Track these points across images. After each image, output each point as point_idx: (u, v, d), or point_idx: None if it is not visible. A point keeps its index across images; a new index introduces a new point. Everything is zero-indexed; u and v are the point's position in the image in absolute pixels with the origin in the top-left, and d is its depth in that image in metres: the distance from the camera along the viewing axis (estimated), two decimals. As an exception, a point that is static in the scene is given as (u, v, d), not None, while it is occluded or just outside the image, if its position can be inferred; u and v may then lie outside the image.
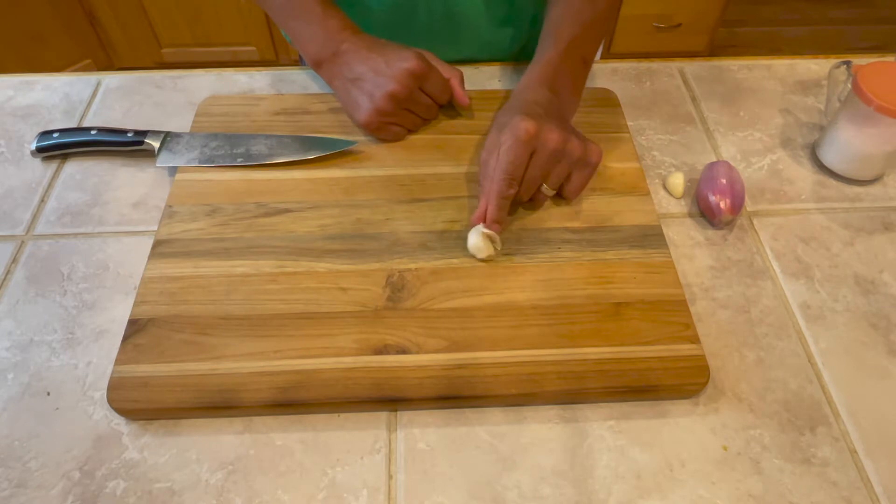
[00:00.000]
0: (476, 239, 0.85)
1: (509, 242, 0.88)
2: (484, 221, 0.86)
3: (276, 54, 3.16)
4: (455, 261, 0.86)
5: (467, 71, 1.11)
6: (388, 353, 0.77)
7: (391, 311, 0.81)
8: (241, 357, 0.77)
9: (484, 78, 1.14)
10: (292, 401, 0.74)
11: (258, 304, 0.81)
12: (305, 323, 0.80)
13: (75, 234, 0.91)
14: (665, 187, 0.98)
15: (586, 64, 1.01)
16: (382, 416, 0.76)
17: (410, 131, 1.01)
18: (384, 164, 0.97)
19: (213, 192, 0.93)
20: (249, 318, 0.80)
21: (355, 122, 0.99)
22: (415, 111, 0.99)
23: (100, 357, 0.80)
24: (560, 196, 0.92)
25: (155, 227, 0.91)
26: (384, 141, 0.99)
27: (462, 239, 0.87)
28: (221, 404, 0.74)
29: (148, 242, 0.89)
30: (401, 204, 0.92)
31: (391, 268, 0.85)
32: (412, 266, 0.85)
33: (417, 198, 0.93)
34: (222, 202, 0.92)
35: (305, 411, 0.75)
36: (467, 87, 1.04)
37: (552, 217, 0.91)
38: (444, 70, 1.01)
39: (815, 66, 1.18)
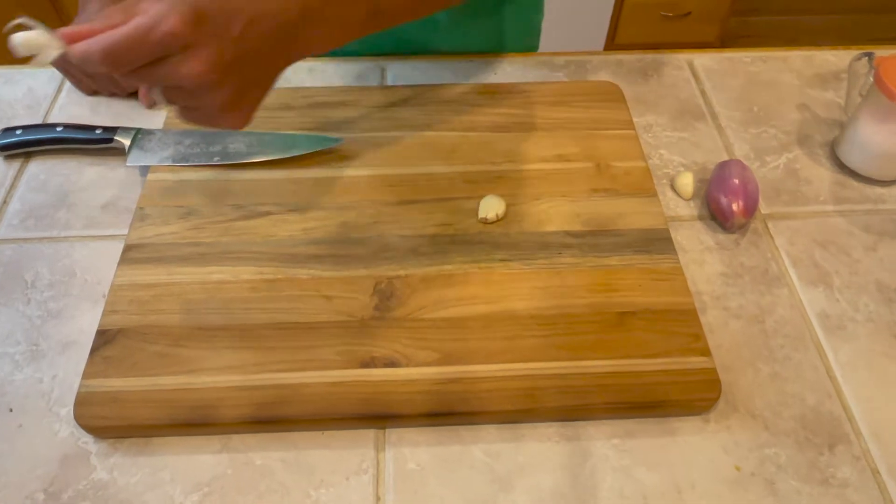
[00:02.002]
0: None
1: (505, 247, 0.88)
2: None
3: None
4: (448, 267, 0.86)
5: (461, 63, 1.11)
6: (375, 366, 0.77)
7: (379, 322, 0.81)
8: (219, 370, 0.77)
9: (478, 70, 1.14)
10: (273, 417, 0.74)
11: (236, 313, 0.81)
12: (287, 334, 0.80)
13: (40, 239, 0.91)
14: (673, 188, 0.98)
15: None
16: (370, 433, 0.76)
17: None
18: (371, 163, 0.97)
19: (188, 193, 0.93)
20: (227, 329, 0.80)
21: None
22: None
23: (66, 370, 0.79)
24: None
25: (125, 231, 0.91)
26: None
27: (456, 243, 0.88)
28: (197, 421, 0.74)
29: (118, 247, 0.89)
30: (389, 206, 0.92)
31: (379, 274, 0.85)
32: (401, 273, 0.85)
33: (407, 199, 0.93)
34: (198, 204, 0.92)
35: (287, 429, 0.75)
36: (460, 80, 1.04)
37: (551, 220, 0.91)
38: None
39: (833, 58, 1.18)
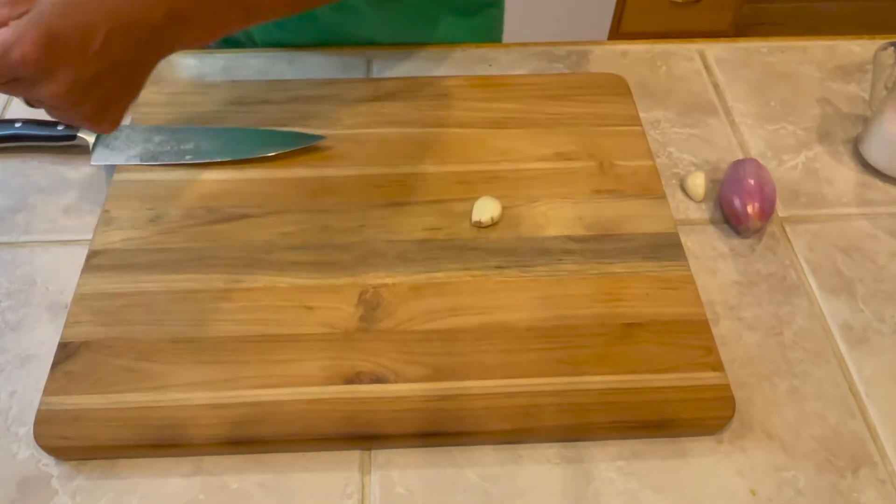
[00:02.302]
0: None
1: (501, 254, 0.88)
2: None
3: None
4: (439, 275, 0.86)
5: (453, 53, 1.12)
6: (360, 382, 0.78)
7: (364, 334, 0.81)
8: (190, 387, 0.77)
9: (472, 61, 1.14)
10: (249, 438, 0.74)
11: (209, 324, 0.82)
12: (264, 347, 0.80)
13: (-4, 244, 0.91)
14: (683, 189, 0.98)
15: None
16: (354, 455, 0.76)
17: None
18: (356, 162, 0.98)
19: (157, 194, 0.93)
20: (199, 342, 0.80)
21: None
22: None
23: (25, 387, 0.80)
24: None
25: (89, 236, 0.91)
26: None
27: (447, 249, 0.88)
28: (167, 442, 0.74)
29: (81, 253, 0.89)
30: (376, 209, 0.93)
31: (365, 283, 0.85)
32: (389, 281, 0.86)
33: (395, 201, 0.93)
34: (168, 206, 0.92)
35: (264, 450, 0.76)
36: (451, 71, 1.05)
37: (551, 224, 0.91)
38: None
39: (857, 48, 1.19)
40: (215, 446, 0.75)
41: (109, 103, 0.71)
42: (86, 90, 0.67)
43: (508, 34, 1.33)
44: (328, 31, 1.15)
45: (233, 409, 0.75)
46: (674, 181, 0.99)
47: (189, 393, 0.76)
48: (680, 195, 0.98)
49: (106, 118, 0.72)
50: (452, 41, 1.18)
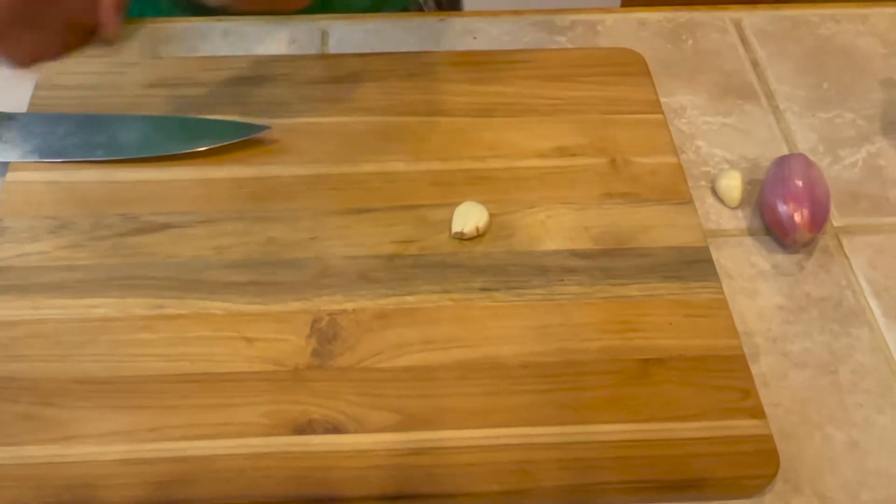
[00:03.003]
0: None
1: (488, 272, 0.89)
2: None
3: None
4: (411, 299, 0.86)
5: (428, 22, 1.12)
6: (313, 431, 0.77)
7: (318, 372, 0.81)
8: (102, 438, 0.76)
9: (452, 33, 1.15)
10: (174, 502, 0.74)
11: (126, 361, 0.81)
12: (193, 389, 0.80)
13: None
14: (715, 192, 0.99)
15: None
16: (306, 523, 0.76)
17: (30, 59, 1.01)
18: (308, 158, 0.98)
19: (62, 199, 0.93)
20: (113, 382, 0.80)
21: None
22: (40, 29, 0.97)
23: None
24: None
25: (-25, 250, 0.91)
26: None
27: (421, 267, 0.88)
28: (73, 507, 0.74)
29: (-35, 272, 0.89)
30: (332, 216, 0.93)
31: (318, 309, 0.85)
32: (348, 306, 0.86)
33: (356, 207, 0.94)
34: (74, 214, 0.92)
35: (194, 517, 0.76)
36: (427, 46, 1.05)
37: (550, 235, 0.92)
38: None
39: (931, 18, 1.20)
40: (133, 512, 0.74)
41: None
42: None
43: (498, -1, 1.33)
44: None
45: (155, 466, 0.75)
46: (703, 182, 1.00)
47: (101, 446, 0.76)
48: (711, 199, 0.98)
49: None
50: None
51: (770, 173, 0.96)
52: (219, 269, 0.88)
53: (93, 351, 0.82)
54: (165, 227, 0.91)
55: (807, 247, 0.94)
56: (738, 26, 1.17)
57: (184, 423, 0.77)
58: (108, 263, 0.88)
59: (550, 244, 0.91)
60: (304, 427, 0.77)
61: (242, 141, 0.98)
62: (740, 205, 0.97)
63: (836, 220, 0.97)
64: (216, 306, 0.85)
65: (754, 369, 0.84)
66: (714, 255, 0.91)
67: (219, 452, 0.76)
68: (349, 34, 1.14)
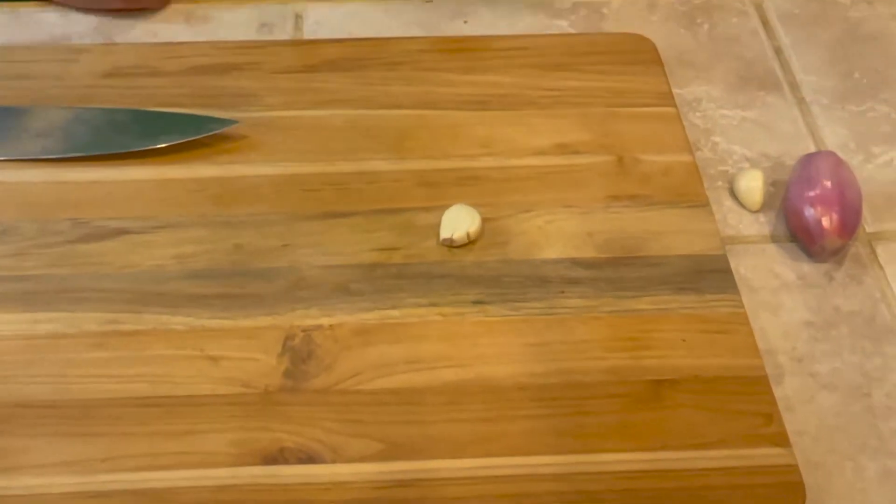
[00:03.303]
0: None
1: (481, 284, 0.88)
2: None
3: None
4: (394, 313, 0.86)
5: (412, 7, 1.12)
6: (285, 461, 0.76)
7: (291, 395, 0.80)
8: (49, 468, 0.75)
9: (441, 16, 1.14)
10: (131, 541, 0.74)
11: (76, 383, 0.81)
12: (153, 414, 0.79)
13: None
14: (734, 194, 0.98)
15: None
16: (277, 565, 0.75)
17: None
18: (280, 156, 0.97)
19: (4, 201, 0.93)
20: (62, 406, 0.79)
21: None
22: None
23: None
24: None
25: None
26: None
27: (406, 277, 0.88)
28: (16, 546, 0.73)
29: None
30: (307, 221, 0.92)
31: (291, 324, 0.85)
32: (325, 322, 0.85)
33: (334, 211, 0.93)
34: (19, 218, 0.91)
35: (153, 557, 0.75)
36: (413, 31, 1.05)
37: (551, 242, 0.91)
38: None
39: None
40: (84, 552, 0.74)
41: None
42: None
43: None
44: None
45: (110, 500, 0.74)
46: (720, 182, 1.00)
47: (49, 477, 0.75)
48: (729, 202, 0.98)
49: None
50: None
51: (795, 173, 0.96)
52: (180, 279, 0.87)
53: (39, 371, 0.81)
54: (120, 232, 0.90)
55: (836, 255, 0.94)
56: (760, 9, 1.17)
57: (141, 452, 0.76)
58: (57, 274, 0.87)
59: (550, 252, 0.90)
60: (276, 456, 0.77)
61: (206, 137, 0.97)
62: (762, 208, 0.97)
63: (868, 225, 0.96)
64: (177, 321, 0.84)
65: (778, 392, 0.83)
66: (733, 265, 0.91)
67: (180, 485, 0.75)
68: (326, 17, 1.14)
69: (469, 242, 0.90)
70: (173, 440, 0.77)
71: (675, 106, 1.03)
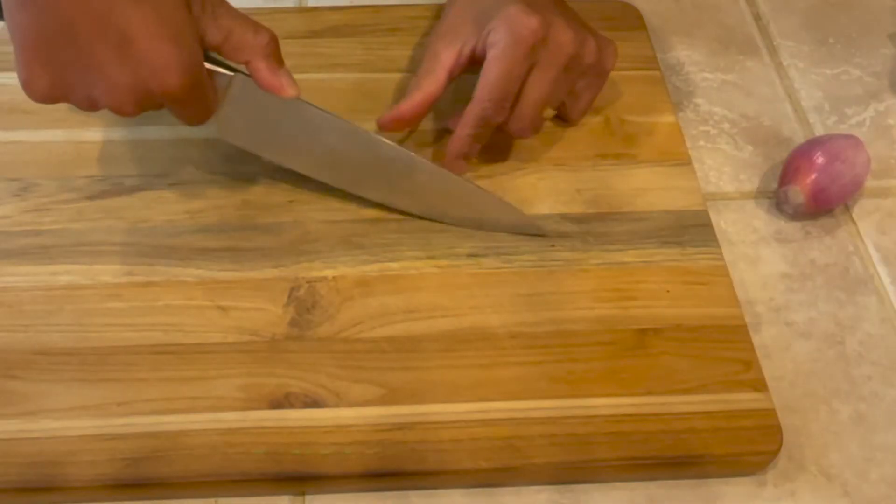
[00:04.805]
0: None
1: (475, 237, 0.89)
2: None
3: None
4: (394, 265, 0.87)
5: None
6: (291, 406, 0.77)
7: (296, 343, 0.81)
8: (68, 412, 0.76)
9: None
10: (145, 479, 0.74)
11: (93, 331, 0.81)
12: (166, 361, 0.80)
13: None
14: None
15: None
16: (283, 501, 0.76)
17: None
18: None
19: (25, 159, 0.93)
20: (80, 354, 0.80)
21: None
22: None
23: None
24: (560, 118, 0.94)
25: (-69, 215, 0.91)
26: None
27: (406, 232, 0.89)
28: (38, 485, 0.73)
29: (-79, 237, 0.89)
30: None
31: (296, 276, 0.86)
32: (328, 273, 0.86)
33: (337, 169, 0.93)
34: (39, 176, 0.92)
35: (165, 495, 0.75)
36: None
37: (541, 198, 0.92)
38: (247, 37, 0.84)
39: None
40: (101, 490, 0.74)
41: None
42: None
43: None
44: None
45: (125, 442, 0.75)
46: (702, 142, 1.00)
47: (68, 420, 0.76)
48: (710, 161, 0.98)
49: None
50: None
51: (815, 139, 0.96)
52: (191, 234, 0.88)
53: (58, 321, 0.82)
54: (136, 189, 0.91)
55: (802, 215, 0.94)
56: (741, -23, 1.17)
57: (154, 396, 0.77)
58: (75, 228, 0.88)
59: (541, 207, 0.91)
60: (282, 401, 0.77)
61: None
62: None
63: (843, 183, 0.96)
64: (189, 273, 0.85)
65: (756, 340, 0.84)
66: (714, 220, 0.92)
67: (191, 428, 0.76)
68: (328, -16, 1.14)
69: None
70: (185, 385, 0.78)
71: (659, 69, 1.03)
